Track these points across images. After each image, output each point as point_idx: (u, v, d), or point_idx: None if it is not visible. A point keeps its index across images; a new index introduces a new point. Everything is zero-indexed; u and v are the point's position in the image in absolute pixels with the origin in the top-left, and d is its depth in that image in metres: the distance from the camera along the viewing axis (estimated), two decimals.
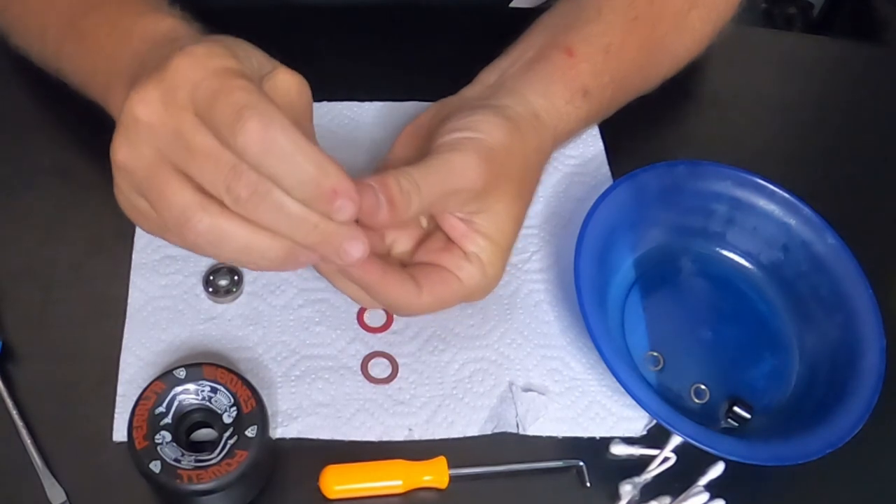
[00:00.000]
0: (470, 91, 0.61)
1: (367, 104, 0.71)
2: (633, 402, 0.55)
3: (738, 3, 0.68)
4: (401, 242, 0.58)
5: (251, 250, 0.46)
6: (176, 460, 0.50)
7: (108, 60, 0.55)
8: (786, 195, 0.64)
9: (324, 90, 0.71)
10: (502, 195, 0.55)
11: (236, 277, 0.61)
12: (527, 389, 0.59)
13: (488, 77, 0.62)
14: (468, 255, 0.55)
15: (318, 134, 0.68)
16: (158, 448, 0.50)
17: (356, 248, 0.46)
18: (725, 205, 0.65)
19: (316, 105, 0.70)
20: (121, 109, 0.46)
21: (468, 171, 0.53)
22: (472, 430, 0.58)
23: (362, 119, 0.70)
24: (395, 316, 0.61)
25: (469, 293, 0.56)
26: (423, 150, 0.59)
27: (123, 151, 0.47)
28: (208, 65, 0.45)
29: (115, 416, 0.56)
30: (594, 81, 0.61)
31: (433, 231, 0.58)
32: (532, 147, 0.58)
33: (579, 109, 0.61)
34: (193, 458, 0.50)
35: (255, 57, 0.48)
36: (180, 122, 0.45)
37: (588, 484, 0.56)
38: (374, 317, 0.61)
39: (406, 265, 0.56)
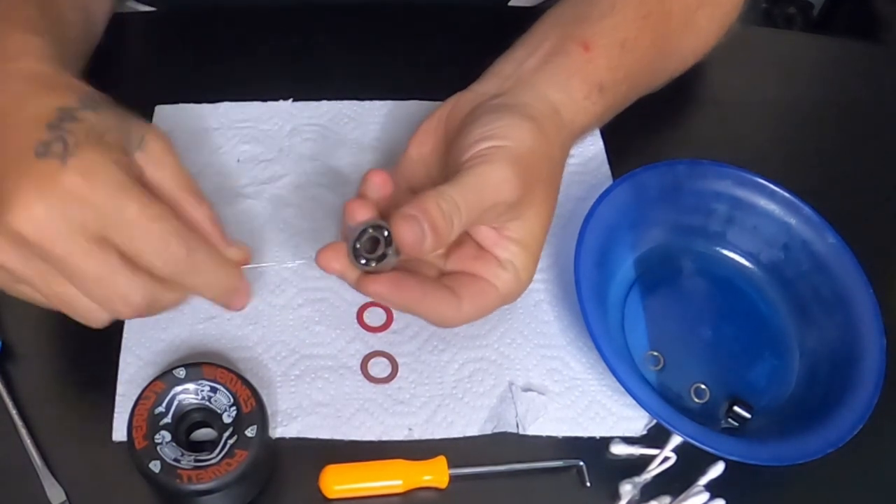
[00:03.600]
0: (485, 85, 0.60)
1: (367, 103, 0.71)
2: (633, 402, 0.55)
3: (744, 3, 0.68)
4: None
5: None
6: (176, 460, 0.50)
7: None
8: (786, 195, 0.64)
9: (324, 89, 0.71)
10: (533, 200, 0.55)
11: None
12: (527, 389, 0.59)
13: (504, 68, 0.61)
14: (502, 263, 0.55)
15: (320, 133, 0.69)
16: (158, 448, 0.50)
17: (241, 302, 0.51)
18: (725, 204, 0.65)
19: (316, 104, 0.71)
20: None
21: (504, 184, 0.53)
22: (472, 430, 0.58)
23: (362, 118, 0.70)
24: (394, 315, 0.61)
25: (505, 299, 0.56)
26: (440, 148, 0.58)
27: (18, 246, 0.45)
28: (106, 181, 0.44)
29: (115, 415, 0.56)
30: (610, 76, 0.61)
31: (463, 237, 0.56)
32: (555, 145, 0.58)
33: (595, 105, 0.60)
34: (193, 457, 0.50)
35: (118, 128, 0.47)
36: (72, 250, 0.45)
37: (588, 484, 0.56)
38: (374, 316, 0.61)
39: (442, 273, 0.56)
